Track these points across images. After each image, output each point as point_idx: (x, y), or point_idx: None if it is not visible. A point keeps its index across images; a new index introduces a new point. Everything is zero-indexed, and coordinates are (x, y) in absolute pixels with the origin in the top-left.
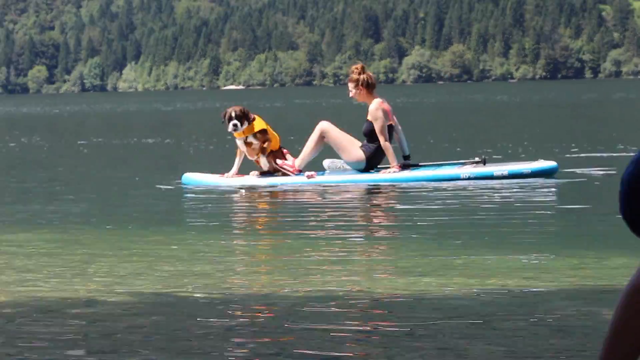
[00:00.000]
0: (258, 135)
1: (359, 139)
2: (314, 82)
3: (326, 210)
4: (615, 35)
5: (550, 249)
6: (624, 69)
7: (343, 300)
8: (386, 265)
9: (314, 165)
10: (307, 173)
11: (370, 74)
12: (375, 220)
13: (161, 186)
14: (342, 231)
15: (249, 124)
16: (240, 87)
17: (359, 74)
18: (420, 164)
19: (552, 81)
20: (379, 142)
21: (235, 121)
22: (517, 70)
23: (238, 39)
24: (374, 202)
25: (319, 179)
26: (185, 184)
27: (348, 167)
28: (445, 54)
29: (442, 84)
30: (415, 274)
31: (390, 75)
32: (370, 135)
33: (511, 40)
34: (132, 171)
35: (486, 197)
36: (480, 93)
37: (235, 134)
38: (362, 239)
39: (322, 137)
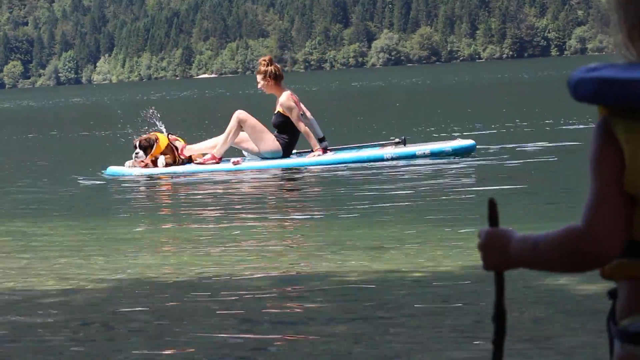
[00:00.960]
0: (166, 151)
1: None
2: (286, 69)
3: (257, 195)
4: (580, 13)
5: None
6: (589, 46)
7: (283, 281)
8: (326, 244)
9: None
10: (233, 159)
11: (278, 65)
12: (305, 203)
13: (80, 178)
14: (274, 214)
15: (152, 148)
16: (213, 75)
17: (267, 65)
18: (340, 146)
19: (519, 60)
20: (288, 133)
21: (138, 150)
22: (484, 50)
23: (209, 28)
24: (304, 185)
25: (245, 164)
26: (108, 175)
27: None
28: (413, 36)
29: (411, 66)
30: (355, 252)
31: (360, 59)
32: (280, 127)
33: (477, 21)
34: (57, 163)
35: (406, 176)
36: (447, 74)
37: (138, 162)
38: (294, 221)
39: (239, 126)
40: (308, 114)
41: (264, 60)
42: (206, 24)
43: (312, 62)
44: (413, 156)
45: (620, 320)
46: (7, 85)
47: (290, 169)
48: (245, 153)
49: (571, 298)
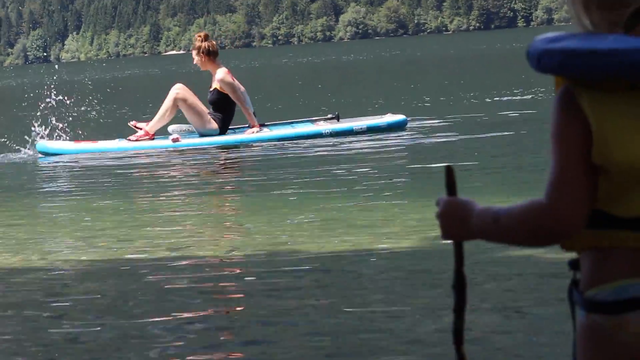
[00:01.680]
0: None
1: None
2: (254, 44)
3: (195, 173)
4: None
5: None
6: (556, 16)
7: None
8: (271, 222)
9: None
10: (172, 137)
11: (213, 42)
12: (245, 180)
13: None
14: (215, 193)
15: None
16: (182, 51)
17: (201, 41)
18: (273, 122)
19: (486, 32)
20: (225, 111)
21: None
22: (451, 22)
23: (177, 5)
24: (244, 162)
25: (184, 141)
26: (40, 152)
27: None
28: (380, 9)
29: (378, 39)
30: (308, 230)
31: (328, 33)
32: (216, 104)
33: None
34: None
35: (345, 151)
36: (413, 47)
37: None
38: (234, 200)
39: (176, 103)
40: (242, 88)
41: (199, 36)
42: (173, 0)
43: (279, 37)
44: (350, 131)
45: (585, 290)
46: None
47: (229, 146)
48: (171, 131)
49: (537, 267)
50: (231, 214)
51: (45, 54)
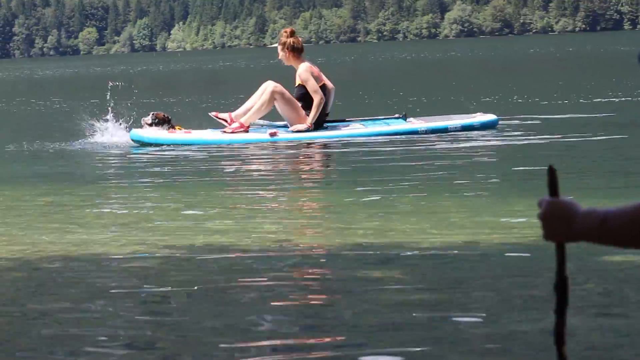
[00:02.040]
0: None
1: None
2: (358, 39)
3: (293, 168)
4: None
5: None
6: None
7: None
8: (372, 217)
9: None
10: (270, 131)
11: (299, 38)
12: (341, 175)
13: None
14: (313, 189)
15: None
16: None
17: (287, 37)
18: (344, 119)
19: (592, 33)
20: (309, 105)
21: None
22: (557, 23)
23: None
24: (337, 157)
25: (282, 136)
26: (134, 140)
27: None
28: (486, 8)
29: (483, 38)
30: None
31: (433, 30)
32: (303, 99)
33: None
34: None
35: (436, 149)
36: (515, 46)
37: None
38: (331, 193)
39: (273, 97)
40: (330, 86)
41: (285, 32)
42: None
43: (385, 33)
44: (445, 130)
45: None
46: (82, 52)
47: (323, 141)
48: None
49: None
50: (329, 208)
51: (151, 42)
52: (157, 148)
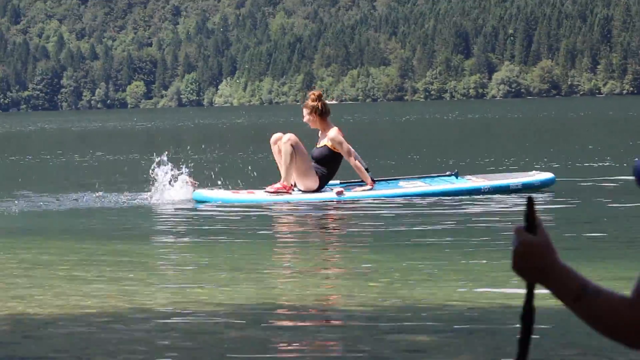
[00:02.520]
0: None
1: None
2: (406, 98)
3: (361, 225)
4: None
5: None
6: None
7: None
8: (419, 272)
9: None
10: (336, 189)
11: (326, 102)
12: (395, 233)
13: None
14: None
15: None
16: (334, 102)
17: (314, 101)
18: (390, 178)
19: (639, 96)
20: (329, 167)
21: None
22: (604, 85)
23: (331, 55)
24: (390, 215)
25: (350, 194)
26: (196, 200)
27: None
28: (534, 69)
29: (531, 99)
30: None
31: (480, 90)
32: (323, 160)
33: (599, 55)
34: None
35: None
36: (566, 108)
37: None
38: (381, 251)
39: (292, 148)
40: (352, 150)
41: (313, 94)
42: (328, 50)
43: (432, 92)
44: (507, 188)
45: None
46: (129, 105)
47: (390, 200)
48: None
49: None
50: (371, 264)
51: (198, 97)
52: (221, 207)
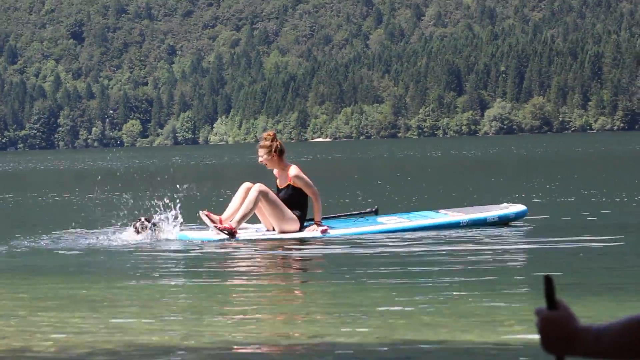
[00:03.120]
0: None
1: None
2: (399, 135)
3: (351, 264)
4: None
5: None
6: None
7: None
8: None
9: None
10: (321, 228)
11: (280, 141)
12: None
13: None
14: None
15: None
16: (328, 139)
17: (272, 140)
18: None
19: (630, 132)
20: (300, 206)
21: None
22: (595, 121)
23: (325, 93)
24: (385, 253)
25: (334, 232)
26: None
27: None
28: (526, 106)
29: (523, 135)
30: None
31: (473, 127)
32: (292, 201)
33: (590, 92)
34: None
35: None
36: (557, 145)
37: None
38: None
39: (258, 198)
40: (312, 185)
41: (269, 135)
42: (322, 88)
43: (425, 129)
44: (484, 221)
45: None
46: (125, 144)
47: (371, 236)
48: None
49: None
50: (363, 302)
51: (194, 135)
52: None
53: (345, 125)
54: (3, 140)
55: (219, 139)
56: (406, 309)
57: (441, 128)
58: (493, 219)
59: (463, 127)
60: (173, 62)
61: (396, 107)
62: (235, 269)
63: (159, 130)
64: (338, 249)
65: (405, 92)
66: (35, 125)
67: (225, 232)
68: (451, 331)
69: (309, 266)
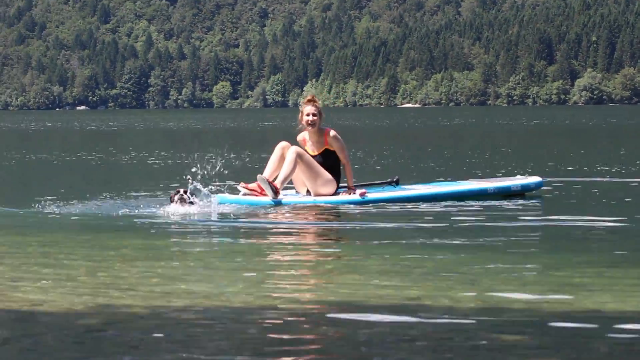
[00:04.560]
0: None
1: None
2: (488, 102)
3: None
4: None
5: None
6: None
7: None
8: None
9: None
10: (359, 191)
11: None
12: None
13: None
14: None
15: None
16: (417, 105)
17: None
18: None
19: None
20: (335, 170)
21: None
22: None
23: (415, 59)
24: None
25: (371, 196)
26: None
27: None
28: (616, 76)
29: (612, 105)
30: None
31: (562, 96)
32: (327, 165)
33: None
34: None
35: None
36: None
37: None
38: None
39: (296, 160)
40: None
41: (313, 97)
42: (413, 54)
43: (514, 97)
44: (508, 190)
45: None
46: (215, 105)
47: (405, 202)
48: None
49: None
50: (403, 263)
51: (283, 98)
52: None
53: (435, 91)
54: (94, 99)
55: None
56: (459, 272)
57: (531, 97)
58: (517, 187)
59: (553, 96)
60: (264, 25)
61: (486, 75)
62: (279, 231)
63: (249, 93)
64: (377, 213)
65: (495, 60)
66: (126, 85)
67: (271, 188)
68: (486, 290)
69: (350, 230)
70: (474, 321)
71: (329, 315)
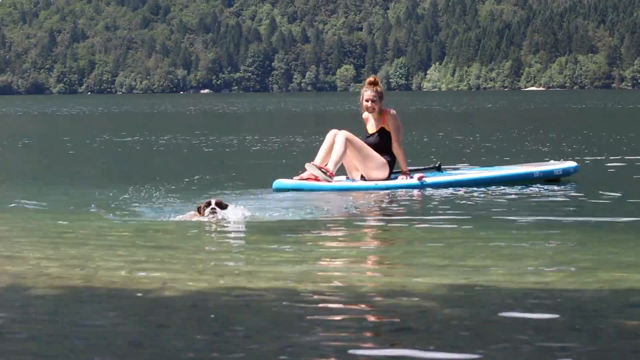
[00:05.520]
0: None
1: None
2: (613, 85)
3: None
4: None
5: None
6: None
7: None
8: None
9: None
10: (417, 175)
11: None
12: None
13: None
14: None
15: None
16: (541, 88)
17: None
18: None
19: None
20: (389, 153)
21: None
22: None
23: (539, 42)
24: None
25: (430, 180)
26: (276, 189)
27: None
28: None
29: None
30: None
31: None
32: (381, 146)
33: None
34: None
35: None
36: None
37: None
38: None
39: (346, 144)
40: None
41: (376, 79)
42: (537, 37)
43: (639, 80)
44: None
45: None
46: (338, 88)
47: (438, 185)
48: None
49: None
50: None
51: (407, 81)
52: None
53: (559, 74)
54: (218, 83)
55: (431, 86)
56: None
57: None
58: (559, 171)
59: None
60: (388, 8)
61: (611, 58)
62: (333, 215)
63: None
64: (436, 196)
65: (620, 42)
66: (250, 68)
67: (324, 172)
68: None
69: (410, 214)
70: (528, 304)
71: (394, 299)
